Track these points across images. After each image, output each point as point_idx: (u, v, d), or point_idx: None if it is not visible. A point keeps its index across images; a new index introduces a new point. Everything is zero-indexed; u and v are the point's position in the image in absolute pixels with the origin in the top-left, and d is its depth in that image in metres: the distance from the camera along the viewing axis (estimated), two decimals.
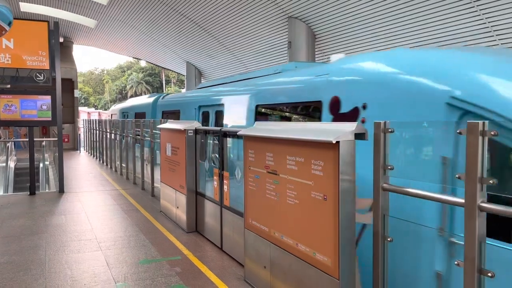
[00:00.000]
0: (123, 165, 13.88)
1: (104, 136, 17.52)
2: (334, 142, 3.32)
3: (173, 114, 11.28)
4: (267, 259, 4.49)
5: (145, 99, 15.41)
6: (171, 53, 27.22)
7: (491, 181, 2.46)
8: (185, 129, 7.03)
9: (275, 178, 4.26)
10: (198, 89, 10.86)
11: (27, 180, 11.15)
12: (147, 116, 13.76)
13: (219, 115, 8.26)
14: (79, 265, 5.58)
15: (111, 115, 21.20)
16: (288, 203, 4.06)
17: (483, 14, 10.79)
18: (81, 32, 26.58)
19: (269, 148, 4.39)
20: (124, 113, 18.22)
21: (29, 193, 10.69)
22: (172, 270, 5.38)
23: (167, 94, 13.84)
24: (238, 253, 5.58)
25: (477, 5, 10.73)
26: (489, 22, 10.79)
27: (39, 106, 10.41)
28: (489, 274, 2.51)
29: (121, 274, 5.25)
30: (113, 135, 15.75)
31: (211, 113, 8.74)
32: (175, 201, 7.71)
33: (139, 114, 15.05)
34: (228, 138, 6.28)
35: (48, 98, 10.49)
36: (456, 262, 2.65)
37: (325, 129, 3.65)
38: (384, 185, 3.24)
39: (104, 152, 17.61)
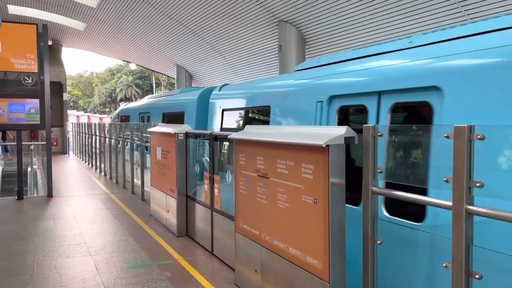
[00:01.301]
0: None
1: (94, 139, 17.38)
2: (324, 146, 3.34)
3: (254, 114, 6.97)
4: (258, 263, 4.49)
5: (182, 95, 10.76)
6: (161, 56, 27.15)
7: (478, 184, 2.50)
8: (175, 133, 7.02)
9: (266, 182, 4.28)
10: (313, 68, 5.62)
11: (15, 184, 11.01)
12: (188, 118, 9.30)
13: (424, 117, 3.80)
14: (68, 270, 5.53)
15: (120, 116, 16.57)
16: (278, 206, 4.07)
17: (464, 11, 11.04)
18: (70, 35, 26.39)
19: (259, 152, 4.40)
20: (142, 114, 13.64)
21: (17, 197, 10.56)
22: (163, 275, 5.36)
23: (225, 85, 8.39)
24: (229, 257, 5.58)
25: (464, 10, 10.94)
26: (468, 15, 11.04)
27: (27, 110, 10.30)
28: (477, 276, 2.54)
29: (110, 279, 5.21)
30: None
31: (379, 113, 4.13)
32: (165, 205, 7.68)
33: (171, 115, 10.79)
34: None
35: (36, 102, 10.39)
36: (444, 264, 2.69)
37: (315, 133, 3.68)
38: (374, 188, 3.27)
39: (94, 156, 17.47)
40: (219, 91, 8.28)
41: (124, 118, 16.05)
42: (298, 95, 5.55)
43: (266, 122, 6.23)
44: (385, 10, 12.62)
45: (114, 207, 9.49)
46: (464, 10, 11.04)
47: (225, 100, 7.94)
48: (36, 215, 8.71)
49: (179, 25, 20.37)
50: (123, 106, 18.08)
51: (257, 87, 7.22)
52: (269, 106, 6.17)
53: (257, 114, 6.89)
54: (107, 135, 14.76)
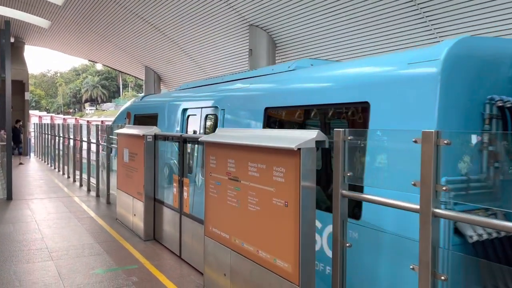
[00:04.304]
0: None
1: (58, 141, 16.82)
2: (295, 149, 3.36)
3: None
4: (227, 267, 4.45)
5: (317, 71, 5.16)
6: (129, 57, 26.64)
7: (444, 188, 2.57)
8: (143, 135, 6.89)
9: (237, 185, 4.26)
10: None
11: None
12: (396, 120, 3.59)
13: None
14: (29, 275, 5.30)
15: (133, 116, 10.09)
16: (249, 209, 4.06)
17: (429, 21, 11.45)
18: (33, 33, 25.49)
19: (230, 155, 4.38)
20: (192, 112, 7.40)
21: None
22: (129, 280, 5.22)
23: None
24: (198, 261, 5.51)
25: (423, 12, 11.35)
26: (432, 25, 11.45)
27: None
28: (442, 278, 2.61)
29: (74, 285, 5.04)
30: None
31: None
32: (132, 209, 7.51)
33: (304, 114, 4.97)
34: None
35: None
36: (411, 266, 2.74)
37: (286, 136, 3.69)
38: (343, 191, 3.31)
39: (57, 157, 16.91)
40: None
41: (142, 117, 9.48)
42: None
43: None
44: (351, 16, 12.89)
45: (78, 210, 9.20)
46: (434, 29, 11.43)
47: None
48: None
49: (148, 25, 20.07)
50: (137, 99, 11.49)
51: None
52: None
53: None
54: (71, 137, 14.32)
